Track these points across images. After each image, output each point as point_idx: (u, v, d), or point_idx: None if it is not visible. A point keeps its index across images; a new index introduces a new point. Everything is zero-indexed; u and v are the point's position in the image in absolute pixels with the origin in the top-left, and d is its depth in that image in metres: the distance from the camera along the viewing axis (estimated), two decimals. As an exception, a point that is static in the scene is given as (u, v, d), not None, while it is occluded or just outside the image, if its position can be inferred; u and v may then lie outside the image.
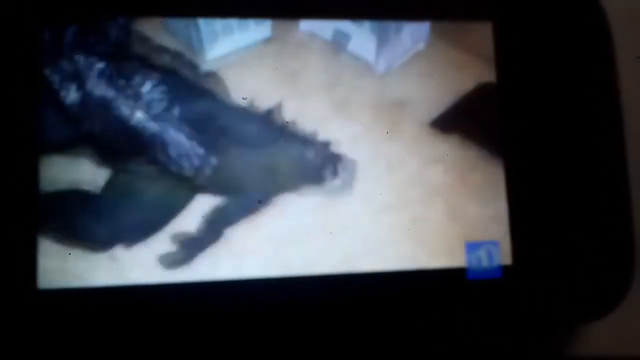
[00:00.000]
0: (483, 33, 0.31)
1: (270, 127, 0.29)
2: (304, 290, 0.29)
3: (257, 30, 0.30)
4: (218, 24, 0.29)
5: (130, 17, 0.29)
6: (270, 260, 0.28)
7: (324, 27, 0.30)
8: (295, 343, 0.29)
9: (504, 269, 0.30)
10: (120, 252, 0.27)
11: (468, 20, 0.31)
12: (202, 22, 0.29)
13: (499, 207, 0.30)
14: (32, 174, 0.27)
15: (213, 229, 0.28)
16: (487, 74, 0.31)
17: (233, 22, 0.29)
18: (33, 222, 0.27)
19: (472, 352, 0.31)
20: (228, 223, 0.28)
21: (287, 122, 0.29)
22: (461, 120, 0.30)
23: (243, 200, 0.28)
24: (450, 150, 0.30)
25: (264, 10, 0.30)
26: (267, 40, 0.30)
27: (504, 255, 0.30)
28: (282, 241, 0.28)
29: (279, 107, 0.29)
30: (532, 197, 0.31)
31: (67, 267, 0.27)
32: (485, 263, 0.30)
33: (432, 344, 0.31)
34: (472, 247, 0.30)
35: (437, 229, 0.30)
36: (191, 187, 0.28)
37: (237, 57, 0.29)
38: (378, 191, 0.29)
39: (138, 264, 0.27)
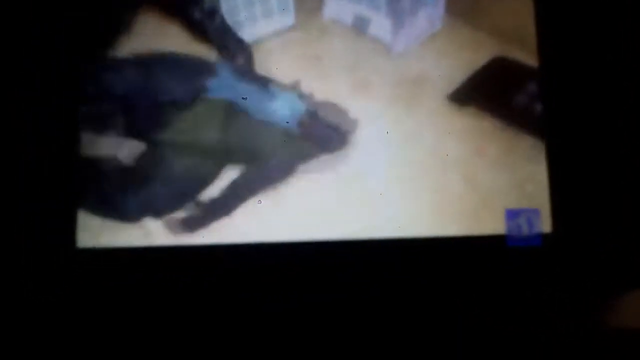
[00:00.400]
0: (498, 12, 0.32)
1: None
2: (341, 256, 0.29)
3: (281, 18, 0.31)
4: (242, 13, 0.31)
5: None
6: (301, 228, 0.29)
7: (345, 13, 0.31)
8: (330, 310, 0.30)
9: (544, 237, 0.30)
10: (149, 222, 0.29)
11: None
12: (226, 12, 0.31)
13: (517, 175, 0.31)
14: (74, 147, 0.28)
15: (235, 196, 0.29)
16: (500, 49, 0.32)
17: (257, 11, 0.31)
18: (74, 192, 0.28)
19: (510, 317, 0.31)
20: (249, 192, 0.29)
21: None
22: (476, 93, 0.31)
23: (263, 170, 0.30)
24: (466, 122, 0.31)
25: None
26: (291, 28, 0.31)
27: (544, 223, 0.30)
28: (311, 210, 0.30)
29: (298, 84, 0.30)
30: (572, 167, 0.31)
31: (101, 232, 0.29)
32: (525, 230, 0.30)
33: (471, 310, 0.31)
34: (512, 214, 0.30)
35: (455, 196, 0.30)
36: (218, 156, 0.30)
37: (262, 44, 0.31)
38: (397, 161, 0.30)
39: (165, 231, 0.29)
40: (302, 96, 0.30)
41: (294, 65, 0.31)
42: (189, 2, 0.30)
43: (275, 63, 0.30)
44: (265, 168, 0.29)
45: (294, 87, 0.30)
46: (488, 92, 0.31)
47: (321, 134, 0.30)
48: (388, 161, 0.30)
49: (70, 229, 0.28)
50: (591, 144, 0.31)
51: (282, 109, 0.30)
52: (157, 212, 0.29)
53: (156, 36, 0.30)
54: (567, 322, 0.31)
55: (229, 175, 0.29)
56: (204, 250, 0.29)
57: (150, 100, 0.29)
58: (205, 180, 0.29)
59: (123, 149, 0.29)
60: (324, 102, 0.30)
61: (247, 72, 0.30)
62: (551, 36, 0.32)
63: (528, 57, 0.32)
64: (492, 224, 0.30)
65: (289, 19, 0.31)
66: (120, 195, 0.29)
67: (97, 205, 0.28)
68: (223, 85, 0.30)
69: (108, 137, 0.29)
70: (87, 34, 0.29)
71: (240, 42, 0.30)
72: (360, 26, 0.31)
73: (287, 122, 0.30)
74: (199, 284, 0.28)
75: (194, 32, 0.30)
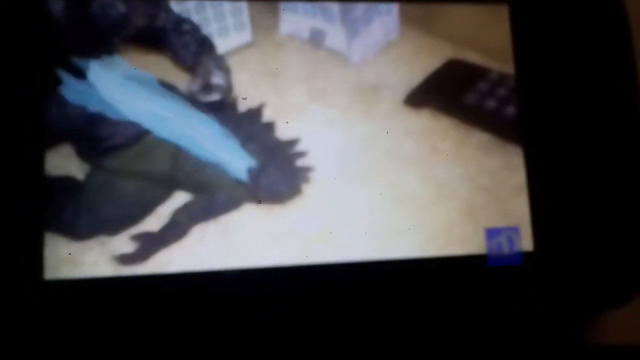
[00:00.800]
0: (452, 18, 0.33)
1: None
2: (316, 280, 0.29)
3: (237, 36, 0.31)
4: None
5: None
6: (269, 251, 0.29)
7: (301, 27, 0.32)
8: (308, 332, 0.29)
9: (525, 255, 0.31)
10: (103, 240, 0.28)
11: (485, 2, 0.33)
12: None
13: (471, 168, 0.31)
14: (38, 168, 0.28)
15: (180, 224, 0.29)
16: (455, 53, 0.33)
17: (212, 29, 0.31)
18: (39, 215, 0.27)
19: (491, 339, 0.31)
20: (197, 220, 0.29)
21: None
22: (431, 95, 0.32)
23: (210, 202, 0.29)
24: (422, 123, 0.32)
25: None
26: (248, 45, 0.31)
27: (524, 242, 0.31)
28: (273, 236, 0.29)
29: (260, 107, 0.30)
30: (553, 183, 0.31)
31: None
32: (505, 249, 0.30)
33: (452, 331, 0.31)
34: (492, 233, 0.30)
35: (412, 195, 0.31)
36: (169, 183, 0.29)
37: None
38: (355, 163, 0.31)
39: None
40: (252, 151, 0.30)
41: (251, 83, 0.31)
42: (164, 29, 0.30)
43: (233, 80, 0.31)
44: (212, 201, 0.29)
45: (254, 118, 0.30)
46: (441, 93, 0.32)
47: (270, 189, 0.30)
48: (344, 165, 0.31)
49: (37, 259, 0.27)
50: (571, 162, 0.32)
51: (231, 164, 0.30)
52: (109, 230, 0.28)
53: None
54: (550, 341, 0.32)
55: (180, 198, 0.29)
56: (179, 277, 0.28)
57: (93, 138, 0.29)
58: (155, 202, 0.29)
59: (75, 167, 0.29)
60: (276, 149, 0.30)
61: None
62: (526, 43, 0.33)
63: (482, 59, 0.33)
64: (447, 215, 0.31)
65: (245, 36, 0.31)
66: (73, 212, 0.28)
67: (51, 223, 0.28)
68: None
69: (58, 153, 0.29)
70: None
71: (217, 59, 0.31)
72: (316, 39, 0.32)
73: (236, 177, 0.30)
74: (176, 314, 0.28)
75: (174, 58, 0.30)
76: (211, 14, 0.31)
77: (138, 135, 0.29)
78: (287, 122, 0.30)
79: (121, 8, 0.30)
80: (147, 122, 0.29)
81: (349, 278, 0.29)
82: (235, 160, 0.30)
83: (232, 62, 0.31)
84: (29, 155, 0.28)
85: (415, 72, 0.32)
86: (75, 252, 0.28)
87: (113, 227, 0.28)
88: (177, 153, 0.29)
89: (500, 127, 0.32)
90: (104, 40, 0.30)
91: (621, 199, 0.31)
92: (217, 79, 0.30)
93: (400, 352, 0.30)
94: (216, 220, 0.29)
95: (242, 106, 0.30)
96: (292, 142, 0.30)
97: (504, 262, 0.30)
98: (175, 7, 0.30)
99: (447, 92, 0.32)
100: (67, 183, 0.28)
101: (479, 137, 0.32)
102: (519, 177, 0.31)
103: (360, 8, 0.32)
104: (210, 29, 0.31)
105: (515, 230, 0.31)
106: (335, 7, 0.32)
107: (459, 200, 0.31)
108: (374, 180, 0.31)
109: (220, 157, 0.29)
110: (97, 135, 0.29)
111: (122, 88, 0.29)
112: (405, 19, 0.32)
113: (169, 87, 0.30)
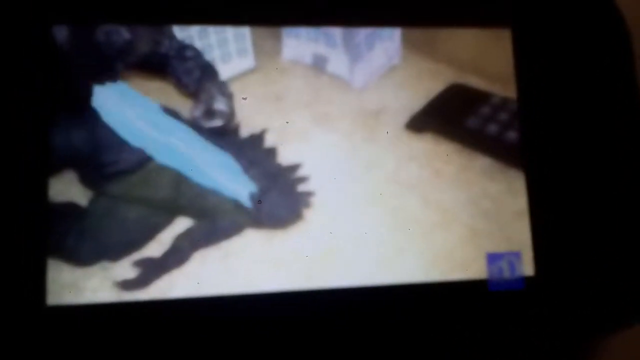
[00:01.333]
0: (454, 44, 0.33)
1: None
2: (318, 305, 0.29)
3: (240, 61, 0.32)
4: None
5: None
6: (270, 276, 0.29)
7: (304, 53, 0.32)
8: (311, 358, 0.29)
9: (526, 280, 0.31)
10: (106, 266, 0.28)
11: (487, 27, 0.33)
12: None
13: (473, 192, 0.31)
14: (42, 194, 0.28)
15: (181, 250, 0.29)
16: (457, 78, 0.33)
17: (215, 55, 0.31)
18: (42, 241, 0.28)
19: None
20: (197, 246, 0.29)
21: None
22: (433, 119, 0.32)
23: (212, 227, 0.29)
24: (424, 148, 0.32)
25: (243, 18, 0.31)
26: (251, 71, 0.32)
27: (526, 266, 0.31)
28: (279, 260, 0.29)
29: (262, 132, 0.31)
30: (555, 207, 0.31)
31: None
32: (507, 274, 0.30)
33: (453, 357, 0.30)
34: (493, 258, 0.30)
35: (414, 220, 0.31)
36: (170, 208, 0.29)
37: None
38: (357, 188, 0.31)
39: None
40: (254, 177, 0.30)
41: (254, 107, 0.31)
42: (167, 55, 0.31)
43: (236, 105, 0.31)
44: (213, 226, 0.29)
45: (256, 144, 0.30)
46: (444, 117, 0.32)
47: (272, 214, 0.30)
48: (347, 187, 0.31)
49: (40, 285, 0.27)
50: (573, 186, 0.32)
51: (233, 190, 0.30)
52: (111, 256, 0.28)
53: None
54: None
55: (181, 224, 0.29)
56: (181, 303, 0.28)
57: (96, 164, 0.29)
58: (157, 228, 0.29)
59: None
60: (278, 174, 0.30)
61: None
62: (528, 68, 0.33)
63: (484, 84, 0.33)
64: (449, 239, 0.31)
65: (248, 62, 0.32)
66: (76, 238, 0.28)
67: (54, 249, 0.28)
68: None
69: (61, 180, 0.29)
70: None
71: (220, 85, 0.31)
72: (319, 64, 0.32)
73: (238, 202, 0.30)
74: (178, 340, 0.28)
75: (178, 84, 0.31)
76: (214, 40, 0.31)
77: (141, 161, 0.29)
78: (284, 123, 0.31)
79: (126, 35, 0.30)
80: (149, 149, 0.29)
81: (351, 303, 0.29)
82: (237, 186, 0.30)
83: (235, 88, 0.31)
84: (32, 181, 0.28)
85: (418, 97, 0.32)
86: (77, 278, 0.28)
87: (115, 253, 0.28)
88: (179, 179, 0.29)
89: (502, 152, 0.32)
90: (107, 66, 0.30)
91: (623, 224, 0.31)
92: (219, 104, 0.30)
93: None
94: (218, 245, 0.29)
95: (245, 132, 0.30)
96: (294, 167, 0.30)
97: (505, 286, 0.30)
98: (178, 33, 0.31)
99: (449, 117, 0.32)
100: (70, 209, 0.28)
101: (482, 162, 0.32)
102: (521, 201, 0.31)
103: (362, 33, 0.32)
104: (213, 54, 0.31)
105: (516, 255, 0.31)
106: (337, 33, 0.32)
107: (461, 225, 0.31)
108: (376, 204, 0.31)
109: (222, 183, 0.30)
110: (100, 161, 0.29)
111: (125, 114, 0.30)
112: (407, 44, 0.33)
113: (171, 113, 0.30)
